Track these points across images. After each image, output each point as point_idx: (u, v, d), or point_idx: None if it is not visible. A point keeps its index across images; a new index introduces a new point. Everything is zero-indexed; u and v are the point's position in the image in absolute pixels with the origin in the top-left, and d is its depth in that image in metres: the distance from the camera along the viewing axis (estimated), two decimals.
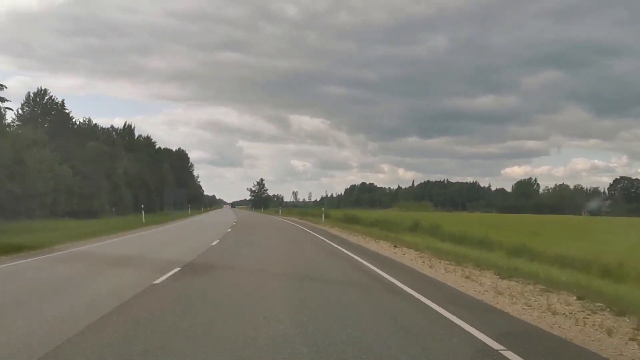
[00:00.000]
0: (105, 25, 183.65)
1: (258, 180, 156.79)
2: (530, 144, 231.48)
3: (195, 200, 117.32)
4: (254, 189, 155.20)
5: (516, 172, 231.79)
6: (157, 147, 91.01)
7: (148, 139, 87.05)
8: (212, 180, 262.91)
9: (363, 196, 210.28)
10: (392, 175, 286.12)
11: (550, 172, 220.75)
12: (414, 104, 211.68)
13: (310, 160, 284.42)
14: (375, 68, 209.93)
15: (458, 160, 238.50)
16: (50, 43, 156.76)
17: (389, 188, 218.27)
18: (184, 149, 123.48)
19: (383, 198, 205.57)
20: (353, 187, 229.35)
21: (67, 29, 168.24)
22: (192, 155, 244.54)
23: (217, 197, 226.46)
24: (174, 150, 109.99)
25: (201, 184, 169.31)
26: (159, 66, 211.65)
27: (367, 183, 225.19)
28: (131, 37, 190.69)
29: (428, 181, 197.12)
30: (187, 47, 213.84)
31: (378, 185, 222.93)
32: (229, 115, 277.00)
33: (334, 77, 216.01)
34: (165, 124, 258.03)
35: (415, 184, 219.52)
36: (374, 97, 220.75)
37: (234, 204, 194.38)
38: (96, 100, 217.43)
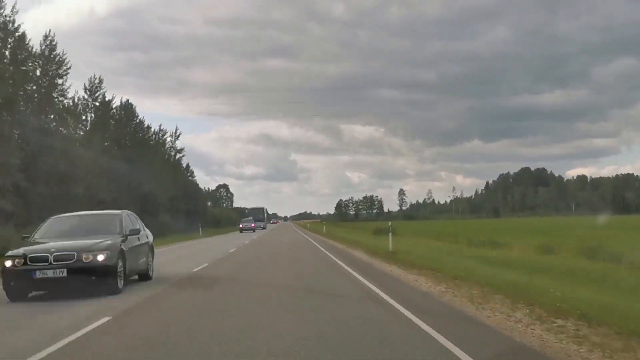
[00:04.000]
0: (148, 38, 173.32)
1: None
2: (599, 142, 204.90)
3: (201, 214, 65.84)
4: None
5: (581, 173, 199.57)
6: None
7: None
8: (269, 195, 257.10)
9: (529, 195, 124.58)
10: (449, 183, 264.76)
11: (617, 171, 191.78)
12: (474, 104, 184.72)
13: (366, 170, 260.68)
14: (431, 67, 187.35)
15: (521, 163, 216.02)
16: (93, 60, 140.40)
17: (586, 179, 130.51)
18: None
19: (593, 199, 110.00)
20: (504, 177, 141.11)
21: (110, 44, 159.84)
22: (246, 171, 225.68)
23: (271, 212, 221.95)
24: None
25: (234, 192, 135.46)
26: (205, 79, 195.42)
27: (533, 169, 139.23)
28: (175, 50, 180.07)
29: None
30: (232, 56, 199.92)
31: (556, 174, 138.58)
32: (280, 128, 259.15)
33: (388, 80, 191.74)
34: (217, 140, 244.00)
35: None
36: (430, 99, 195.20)
37: (286, 218, 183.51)
38: (146, 119, 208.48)
